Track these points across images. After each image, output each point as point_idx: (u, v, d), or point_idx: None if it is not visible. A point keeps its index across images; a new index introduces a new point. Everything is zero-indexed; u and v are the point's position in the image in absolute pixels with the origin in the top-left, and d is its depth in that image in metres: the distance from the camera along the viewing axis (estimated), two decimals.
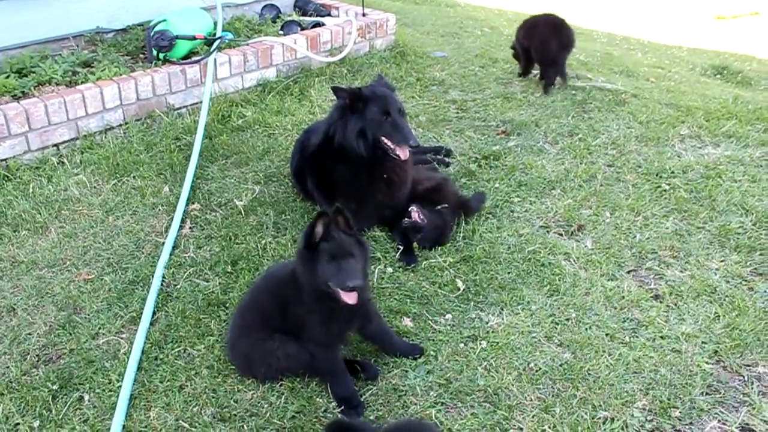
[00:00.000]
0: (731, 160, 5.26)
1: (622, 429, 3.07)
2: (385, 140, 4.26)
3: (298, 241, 3.31)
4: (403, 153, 4.25)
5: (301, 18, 7.63)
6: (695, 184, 4.94)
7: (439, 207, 4.41)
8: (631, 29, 12.20)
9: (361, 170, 4.38)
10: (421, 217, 4.30)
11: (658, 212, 4.65)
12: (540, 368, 3.40)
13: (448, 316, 3.77)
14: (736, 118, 5.96)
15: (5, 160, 5.14)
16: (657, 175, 5.08)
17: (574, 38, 6.62)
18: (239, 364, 3.39)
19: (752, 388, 3.27)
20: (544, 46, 6.53)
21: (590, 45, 9.90)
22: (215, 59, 6.12)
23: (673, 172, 5.09)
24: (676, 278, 4.05)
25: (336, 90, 4.32)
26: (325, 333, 3.18)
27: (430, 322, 3.73)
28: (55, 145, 5.39)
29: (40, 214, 4.65)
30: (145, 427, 3.13)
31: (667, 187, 4.91)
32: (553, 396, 3.24)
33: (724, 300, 3.87)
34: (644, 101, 6.40)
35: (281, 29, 7.18)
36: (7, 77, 5.64)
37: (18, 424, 3.14)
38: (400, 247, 4.30)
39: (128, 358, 3.46)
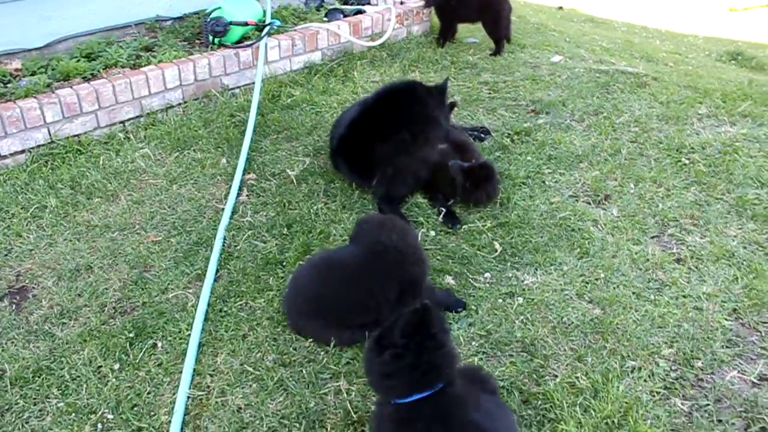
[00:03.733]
0: (747, 137, 5.20)
1: (649, 376, 3.11)
2: None
3: None
4: None
5: (344, 6, 7.62)
6: (713, 158, 4.91)
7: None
8: (649, 19, 12.04)
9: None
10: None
11: (679, 184, 4.64)
12: (572, 322, 3.44)
13: (487, 274, 3.81)
14: (751, 99, 5.88)
15: (78, 135, 5.22)
16: (677, 150, 5.05)
17: None
18: (293, 326, 3.45)
19: None
20: None
21: (611, 33, 9.80)
22: (266, 44, 6.16)
23: (692, 148, 5.06)
24: (697, 244, 4.05)
25: None
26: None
27: (470, 280, 3.77)
28: (122, 122, 5.47)
29: (110, 183, 4.75)
30: (214, 370, 3.22)
31: (687, 162, 4.89)
32: (585, 347, 3.29)
33: (742, 264, 3.87)
34: (664, 83, 6.33)
35: (325, 16, 7.18)
36: (78, 61, 5.72)
37: (100, 366, 3.25)
38: (442, 210, 4.35)
39: (195, 310, 3.55)
